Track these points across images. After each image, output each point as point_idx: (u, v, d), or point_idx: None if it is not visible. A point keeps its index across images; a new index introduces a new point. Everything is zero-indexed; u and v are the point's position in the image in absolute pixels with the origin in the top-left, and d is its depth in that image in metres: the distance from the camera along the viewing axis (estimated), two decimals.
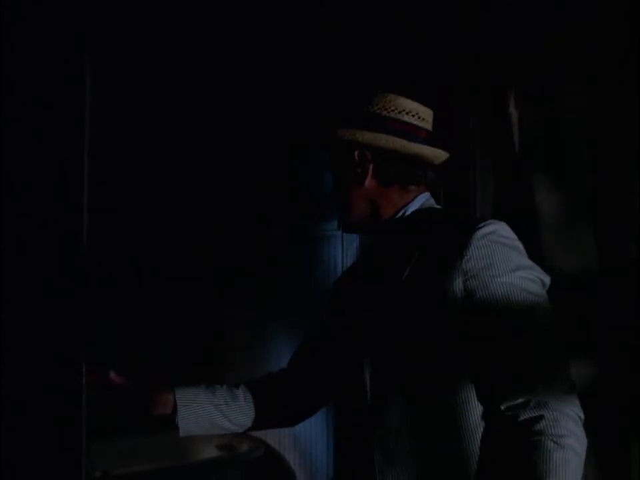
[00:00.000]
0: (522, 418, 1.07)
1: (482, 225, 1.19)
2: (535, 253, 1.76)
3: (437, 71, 2.02)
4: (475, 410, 1.17)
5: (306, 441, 3.23)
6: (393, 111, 1.31)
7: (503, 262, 1.16)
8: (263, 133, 3.40)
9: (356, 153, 1.31)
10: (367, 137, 1.28)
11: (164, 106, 3.29)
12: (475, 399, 1.16)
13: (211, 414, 1.44)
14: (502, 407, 1.09)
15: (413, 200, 1.33)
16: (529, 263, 1.21)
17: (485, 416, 1.16)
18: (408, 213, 1.32)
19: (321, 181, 3.26)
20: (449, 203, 1.94)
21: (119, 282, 3.21)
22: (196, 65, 3.13)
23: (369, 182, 1.31)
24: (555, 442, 1.04)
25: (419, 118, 1.32)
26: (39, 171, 0.97)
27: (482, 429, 1.16)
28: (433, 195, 1.38)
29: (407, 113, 1.31)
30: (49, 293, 0.98)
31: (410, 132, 1.30)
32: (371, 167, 1.31)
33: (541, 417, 1.05)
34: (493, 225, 1.20)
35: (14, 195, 0.94)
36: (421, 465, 1.17)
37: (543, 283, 1.20)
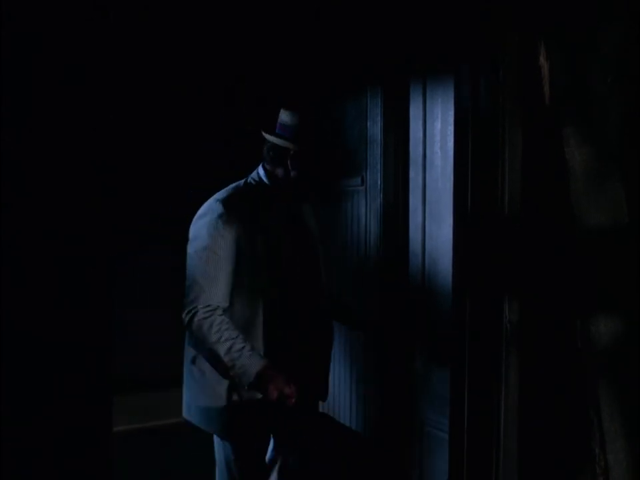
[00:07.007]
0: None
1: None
2: (565, 207, 1.76)
3: (467, 23, 1.99)
4: None
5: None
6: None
7: None
8: (285, 88, 3.38)
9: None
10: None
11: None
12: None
13: None
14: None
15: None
16: None
17: None
18: None
19: (344, 138, 3.25)
20: (478, 158, 1.93)
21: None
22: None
23: None
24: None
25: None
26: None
27: None
28: None
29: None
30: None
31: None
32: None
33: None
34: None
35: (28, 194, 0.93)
36: None
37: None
